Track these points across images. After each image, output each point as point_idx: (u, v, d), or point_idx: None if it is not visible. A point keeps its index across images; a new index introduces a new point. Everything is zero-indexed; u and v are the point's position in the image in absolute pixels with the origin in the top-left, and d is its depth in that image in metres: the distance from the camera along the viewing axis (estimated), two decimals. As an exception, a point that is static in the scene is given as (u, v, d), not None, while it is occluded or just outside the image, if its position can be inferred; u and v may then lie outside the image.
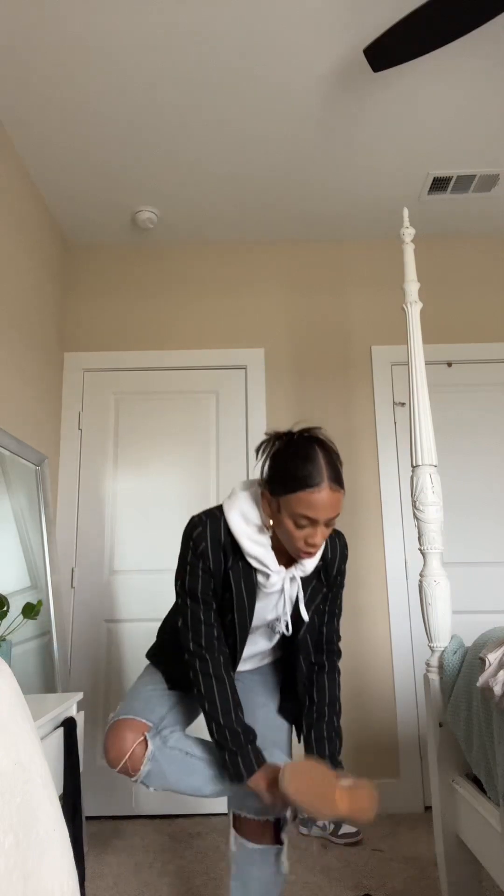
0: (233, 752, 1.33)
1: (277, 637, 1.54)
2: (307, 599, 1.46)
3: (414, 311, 2.02)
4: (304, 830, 2.44)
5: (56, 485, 2.94)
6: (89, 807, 2.65)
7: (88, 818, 2.63)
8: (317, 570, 1.47)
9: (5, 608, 1.85)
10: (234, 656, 1.45)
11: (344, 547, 1.54)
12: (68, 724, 1.76)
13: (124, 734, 1.41)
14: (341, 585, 1.56)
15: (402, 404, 3.04)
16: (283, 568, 1.40)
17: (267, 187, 2.80)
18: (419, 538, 1.87)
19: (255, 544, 1.37)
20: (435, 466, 1.89)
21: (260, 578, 1.40)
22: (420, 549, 1.86)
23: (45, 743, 1.61)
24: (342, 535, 1.55)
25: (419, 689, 2.75)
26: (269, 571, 1.38)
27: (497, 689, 1.33)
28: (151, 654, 1.66)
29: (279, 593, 1.42)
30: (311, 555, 1.35)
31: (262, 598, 1.43)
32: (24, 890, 0.61)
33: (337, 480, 1.32)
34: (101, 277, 3.21)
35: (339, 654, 1.58)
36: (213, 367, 3.09)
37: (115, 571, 2.89)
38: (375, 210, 2.98)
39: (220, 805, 2.66)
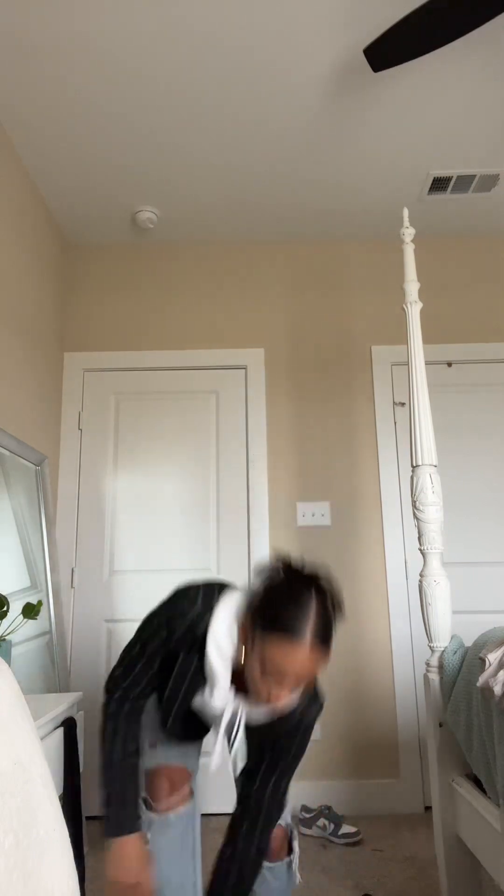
0: (115, 800, 1.26)
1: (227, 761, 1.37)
2: (249, 729, 1.31)
3: (414, 311, 2.02)
4: (304, 830, 2.45)
5: (56, 485, 2.94)
6: (89, 807, 2.65)
7: (88, 818, 2.62)
8: (280, 720, 1.29)
9: (5, 608, 1.85)
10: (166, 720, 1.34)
11: (319, 708, 1.34)
12: (68, 724, 1.76)
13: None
14: (303, 745, 1.34)
15: (402, 404, 3.04)
16: (232, 695, 1.26)
17: (267, 187, 2.80)
18: (419, 538, 1.87)
19: (221, 679, 1.24)
20: (435, 466, 1.89)
21: (206, 690, 1.27)
22: (420, 549, 1.86)
23: (45, 743, 1.61)
24: (320, 695, 1.35)
25: (419, 689, 2.75)
26: (215, 687, 1.24)
27: (497, 689, 1.33)
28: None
29: (219, 717, 1.28)
30: (271, 706, 1.19)
31: (204, 700, 1.29)
32: (24, 890, 0.61)
33: (323, 639, 1.14)
34: (101, 277, 3.21)
35: (277, 816, 1.37)
36: (213, 367, 3.09)
37: (115, 571, 2.89)
38: (375, 210, 2.98)
39: (220, 805, 2.66)
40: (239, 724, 1.28)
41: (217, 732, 1.28)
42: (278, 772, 1.34)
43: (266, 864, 1.39)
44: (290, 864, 1.44)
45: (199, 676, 1.27)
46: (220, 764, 1.31)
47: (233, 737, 1.27)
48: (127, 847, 1.24)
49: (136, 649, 1.32)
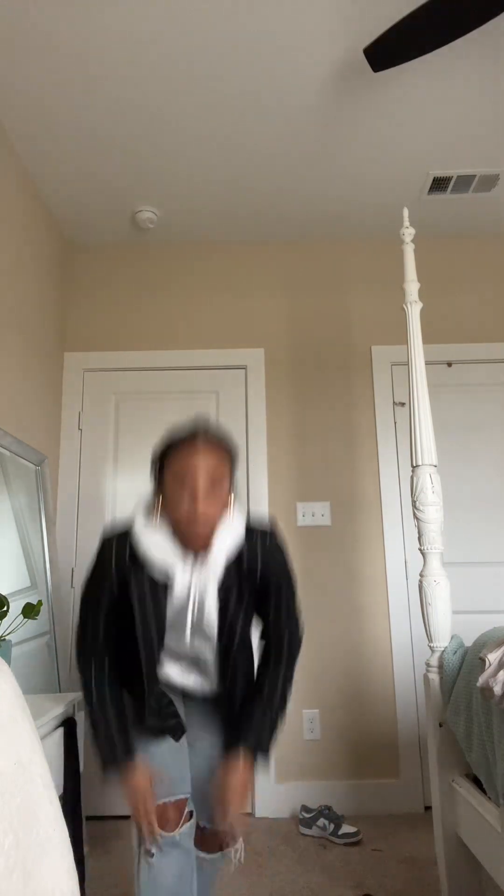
0: (106, 741, 1.33)
1: (208, 648, 1.39)
2: (223, 584, 1.34)
3: (414, 311, 2.02)
4: (304, 830, 2.46)
5: (56, 485, 2.94)
6: (89, 807, 2.65)
7: (88, 818, 2.63)
8: (236, 571, 1.36)
9: (5, 608, 1.85)
10: (152, 669, 1.35)
11: (272, 547, 1.40)
12: (68, 725, 1.76)
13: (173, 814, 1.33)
14: (284, 577, 1.42)
15: (402, 404, 3.04)
16: (182, 563, 1.31)
17: (267, 187, 2.80)
18: (419, 538, 1.87)
19: (154, 539, 1.31)
20: (435, 466, 1.89)
21: (166, 578, 1.32)
22: (420, 549, 1.86)
23: (45, 743, 1.61)
24: (269, 534, 1.40)
25: (419, 689, 2.75)
26: (169, 563, 1.30)
27: (497, 689, 1.33)
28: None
29: (187, 591, 1.32)
30: (200, 535, 1.26)
31: (171, 602, 1.33)
32: (24, 890, 0.61)
33: (213, 440, 1.29)
34: (101, 277, 3.21)
35: (289, 644, 1.44)
36: (213, 367, 3.09)
37: (115, 571, 2.88)
38: (375, 210, 2.98)
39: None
40: (208, 580, 1.33)
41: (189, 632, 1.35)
42: (284, 602, 1.42)
43: (203, 854, 1.43)
44: (223, 856, 1.47)
45: (155, 585, 1.32)
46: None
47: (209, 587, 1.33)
48: (129, 777, 1.32)
49: (82, 617, 1.39)
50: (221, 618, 1.35)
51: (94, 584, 1.36)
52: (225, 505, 1.31)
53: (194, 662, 1.43)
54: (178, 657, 1.42)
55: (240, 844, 1.44)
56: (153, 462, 1.35)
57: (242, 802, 1.34)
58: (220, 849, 1.45)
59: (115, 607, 1.36)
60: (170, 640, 1.38)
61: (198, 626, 1.35)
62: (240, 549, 1.36)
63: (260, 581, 1.39)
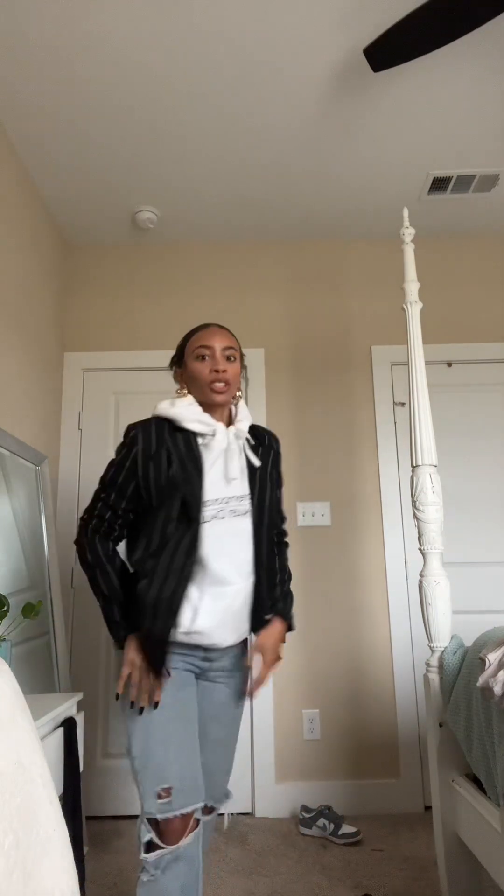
0: (110, 614, 1.41)
1: (246, 523, 1.47)
2: (248, 464, 1.51)
3: (414, 311, 2.02)
4: (304, 830, 2.46)
5: (56, 485, 2.94)
6: (89, 807, 2.65)
7: (88, 818, 2.63)
8: (253, 448, 1.55)
9: (5, 608, 1.85)
10: (193, 546, 1.39)
11: (275, 439, 1.65)
12: (68, 724, 1.76)
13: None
14: (277, 466, 1.62)
15: (402, 404, 3.04)
16: (216, 423, 1.48)
17: (267, 187, 2.80)
18: (419, 538, 1.87)
19: (189, 412, 1.47)
20: (435, 466, 1.89)
21: (204, 442, 1.46)
22: (420, 549, 1.86)
23: (45, 743, 1.61)
24: (275, 436, 1.67)
25: (419, 689, 2.75)
26: (201, 427, 1.45)
27: (497, 689, 1.33)
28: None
29: (222, 452, 1.47)
30: (223, 384, 1.47)
31: (210, 464, 1.45)
32: (24, 890, 0.61)
33: (221, 326, 1.55)
34: (101, 277, 3.21)
35: (285, 531, 1.70)
36: (213, 367, 3.09)
37: (115, 571, 2.88)
38: (375, 210, 2.98)
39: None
40: (245, 445, 1.52)
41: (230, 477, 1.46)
42: (280, 495, 1.64)
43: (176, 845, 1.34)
44: (215, 817, 1.56)
45: (191, 445, 1.45)
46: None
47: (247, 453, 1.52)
48: (130, 647, 1.37)
49: (98, 498, 1.47)
50: (252, 485, 1.50)
51: (118, 468, 1.44)
52: (238, 377, 1.53)
53: (234, 532, 1.46)
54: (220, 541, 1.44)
55: (227, 808, 1.55)
56: (176, 353, 1.57)
57: (279, 656, 1.50)
58: (211, 812, 1.51)
59: (135, 495, 1.44)
60: (210, 512, 1.43)
61: (237, 499, 1.47)
62: (258, 439, 1.58)
63: (271, 468, 1.58)
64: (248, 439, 1.54)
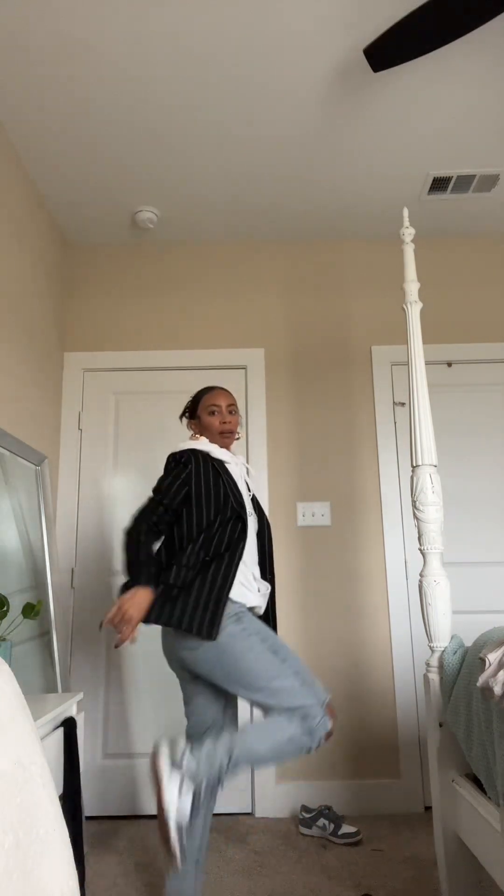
0: (133, 566, 1.74)
1: (254, 520, 1.95)
2: (247, 485, 2.01)
3: (414, 311, 2.02)
4: (304, 830, 2.46)
5: (56, 485, 2.94)
6: (89, 807, 2.65)
7: (88, 818, 2.63)
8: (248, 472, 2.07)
9: (5, 608, 1.85)
10: (244, 532, 1.83)
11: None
12: (68, 724, 1.76)
13: None
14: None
15: (402, 404, 3.04)
16: (227, 454, 1.99)
17: (267, 187, 2.80)
18: (419, 538, 1.87)
19: (213, 447, 1.96)
20: (435, 466, 1.89)
21: (225, 467, 1.93)
22: (420, 549, 1.86)
23: (45, 743, 1.61)
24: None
25: (419, 689, 2.75)
26: (224, 458, 1.95)
27: (497, 689, 1.33)
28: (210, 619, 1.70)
29: (241, 475, 1.97)
30: (230, 431, 2.00)
31: (236, 480, 1.93)
32: (24, 890, 0.61)
33: (223, 388, 2.06)
34: (101, 277, 3.21)
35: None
36: (213, 367, 3.09)
37: (115, 571, 2.88)
38: (375, 210, 2.98)
39: (220, 805, 2.66)
40: (247, 468, 2.06)
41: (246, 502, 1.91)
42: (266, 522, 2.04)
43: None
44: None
45: (218, 470, 1.90)
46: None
47: (250, 493, 2.01)
48: (139, 593, 1.68)
49: (155, 502, 1.84)
50: (256, 503, 2.01)
51: (174, 479, 1.86)
52: (237, 424, 2.05)
53: (253, 542, 1.93)
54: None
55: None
56: (189, 408, 2.09)
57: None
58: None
59: (185, 500, 1.85)
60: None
61: (252, 500, 1.99)
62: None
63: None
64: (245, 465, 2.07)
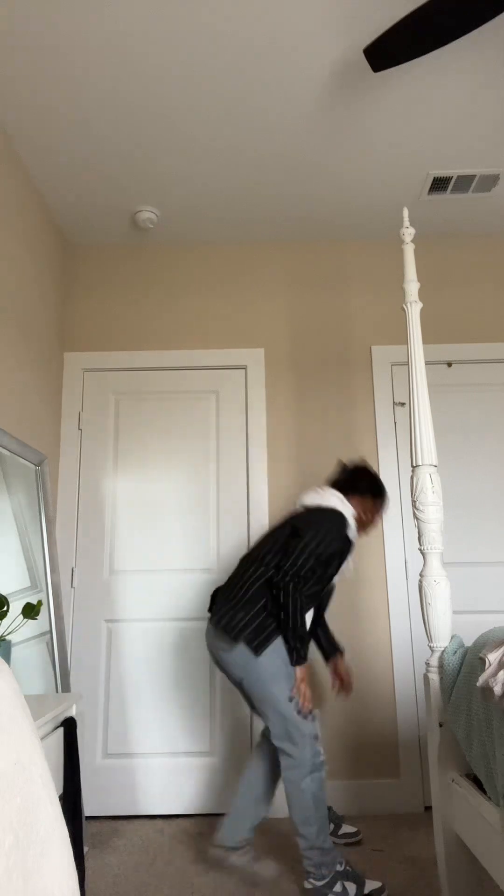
0: (301, 641, 1.99)
1: None
2: None
3: (414, 311, 2.02)
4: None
5: (56, 485, 2.94)
6: (89, 807, 2.65)
7: (88, 818, 2.63)
8: None
9: (5, 608, 1.85)
10: (321, 608, 2.36)
11: None
12: (68, 724, 1.76)
13: None
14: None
15: (402, 404, 3.04)
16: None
17: (267, 187, 2.80)
18: (419, 538, 1.87)
19: (353, 526, 2.17)
20: (435, 466, 1.89)
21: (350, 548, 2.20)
22: (420, 549, 1.86)
23: (45, 743, 1.61)
24: None
25: (419, 689, 2.75)
26: (353, 539, 2.18)
27: (497, 689, 1.33)
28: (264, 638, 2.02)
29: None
30: (365, 534, 2.62)
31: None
32: (24, 890, 0.61)
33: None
34: (101, 277, 3.21)
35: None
36: (213, 367, 3.10)
37: (115, 571, 2.89)
38: (375, 210, 2.98)
39: (220, 806, 2.66)
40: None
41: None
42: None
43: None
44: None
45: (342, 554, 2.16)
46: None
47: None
48: (307, 669, 2.10)
49: (312, 554, 2.05)
50: None
51: (332, 543, 2.06)
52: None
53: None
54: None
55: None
56: (373, 491, 2.26)
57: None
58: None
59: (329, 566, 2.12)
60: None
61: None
62: None
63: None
64: None
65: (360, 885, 1.90)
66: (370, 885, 1.92)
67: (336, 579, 2.19)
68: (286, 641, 1.99)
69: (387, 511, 2.40)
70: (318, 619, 2.39)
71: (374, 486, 2.25)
